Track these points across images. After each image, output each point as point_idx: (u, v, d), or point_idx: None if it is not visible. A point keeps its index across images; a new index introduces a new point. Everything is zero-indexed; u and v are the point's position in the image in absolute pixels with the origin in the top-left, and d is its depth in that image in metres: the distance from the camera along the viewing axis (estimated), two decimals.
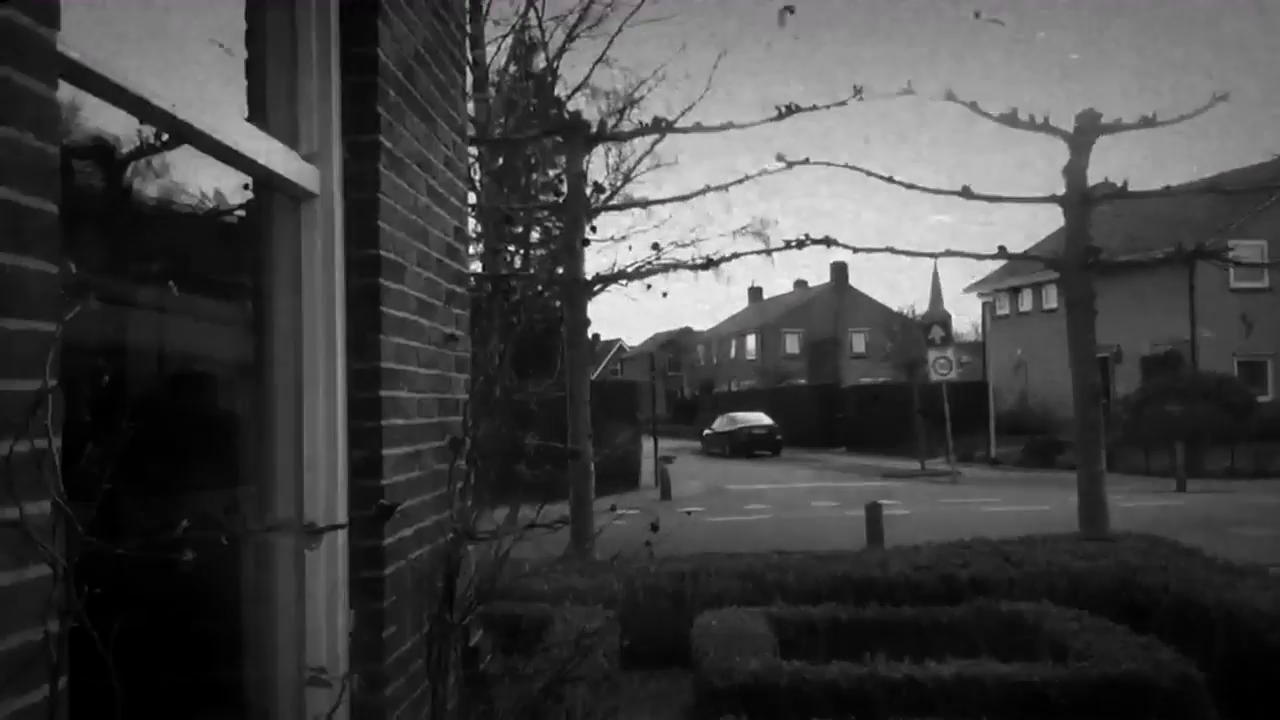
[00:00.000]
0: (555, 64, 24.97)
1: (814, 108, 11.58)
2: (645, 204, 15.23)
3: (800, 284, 75.39)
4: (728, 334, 75.78)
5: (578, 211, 11.30)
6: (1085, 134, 11.34)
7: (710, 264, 12.27)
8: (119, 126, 2.14)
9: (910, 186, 12.12)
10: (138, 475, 1.79)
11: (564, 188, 11.76)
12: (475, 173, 16.81)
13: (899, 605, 7.00)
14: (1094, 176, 11.43)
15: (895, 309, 58.10)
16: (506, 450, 4.05)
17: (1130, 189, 11.70)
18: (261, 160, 2.55)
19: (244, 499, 2.81)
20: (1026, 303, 40.82)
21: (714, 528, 15.64)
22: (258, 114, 2.76)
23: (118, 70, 1.85)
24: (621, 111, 26.19)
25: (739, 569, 8.15)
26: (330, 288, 2.90)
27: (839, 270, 68.16)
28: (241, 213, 2.86)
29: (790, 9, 11.12)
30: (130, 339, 2.40)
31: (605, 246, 36.52)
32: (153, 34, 2.40)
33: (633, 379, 41.40)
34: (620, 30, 27.25)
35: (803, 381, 56.75)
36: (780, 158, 11.72)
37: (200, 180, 2.60)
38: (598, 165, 30.13)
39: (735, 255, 16.61)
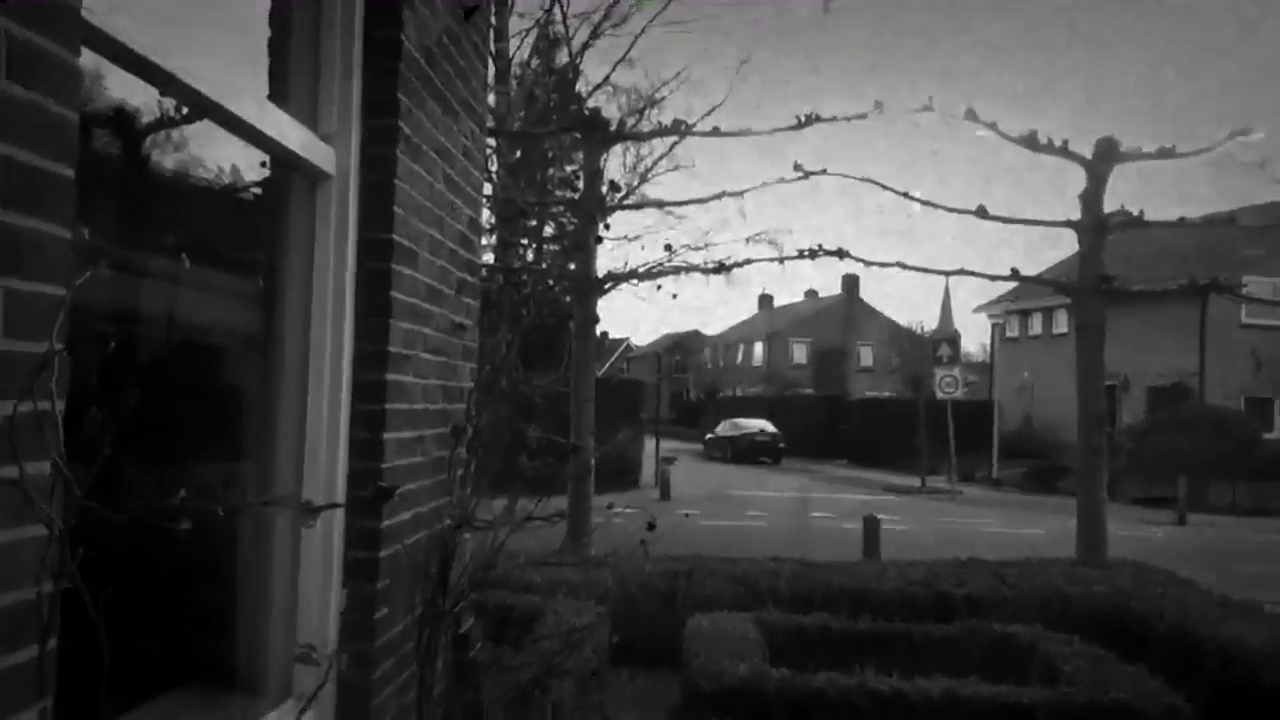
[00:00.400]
0: (578, 60, 25.01)
1: (834, 119, 11.58)
2: (660, 205, 15.27)
3: (811, 294, 75.31)
4: (736, 339, 75.73)
5: (592, 208, 11.32)
6: (1103, 160, 11.33)
7: (722, 268, 12.28)
8: (139, 97, 2.15)
9: (926, 204, 12.12)
10: (140, 443, 1.80)
11: (580, 184, 11.76)
12: (492, 164, 16.83)
13: (892, 619, 7.00)
14: (1110, 205, 11.45)
15: (904, 324, 58.04)
16: (508, 441, 4.05)
17: (1147, 219, 11.69)
18: (280, 139, 2.56)
19: (244, 473, 2.82)
20: (1036, 326, 40.72)
21: (711, 531, 15.64)
22: (278, 92, 2.77)
23: (141, 41, 1.86)
24: (641, 111, 26.22)
25: (733, 573, 8.15)
26: (341, 269, 2.91)
27: (850, 283, 68.10)
28: (257, 190, 2.87)
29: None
30: (140, 309, 2.41)
31: (618, 245, 36.47)
32: (177, 7, 2.41)
33: (638, 378, 41.41)
34: (644, 31, 27.29)
35: (809, 391, 56.68)
36: (798, 167, 11.73)
37: (218, 155, 2.61)
38: (615, 164, 30.12)
39: (748, 261, 16.62)
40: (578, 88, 25.19)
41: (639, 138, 21.30)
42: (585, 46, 25.17)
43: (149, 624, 2.24)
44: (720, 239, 64.62)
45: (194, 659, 2.66)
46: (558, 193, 21.42)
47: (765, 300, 79.28)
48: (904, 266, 12.05)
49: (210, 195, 2.74)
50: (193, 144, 2.48)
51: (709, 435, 43.97)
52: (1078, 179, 11.50)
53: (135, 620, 1.85)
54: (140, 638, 1.99)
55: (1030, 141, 11.45)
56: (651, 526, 4.10)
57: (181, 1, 2.45)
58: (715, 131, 12.04)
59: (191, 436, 2.63)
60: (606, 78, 26.40)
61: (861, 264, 11.94)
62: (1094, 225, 11.32)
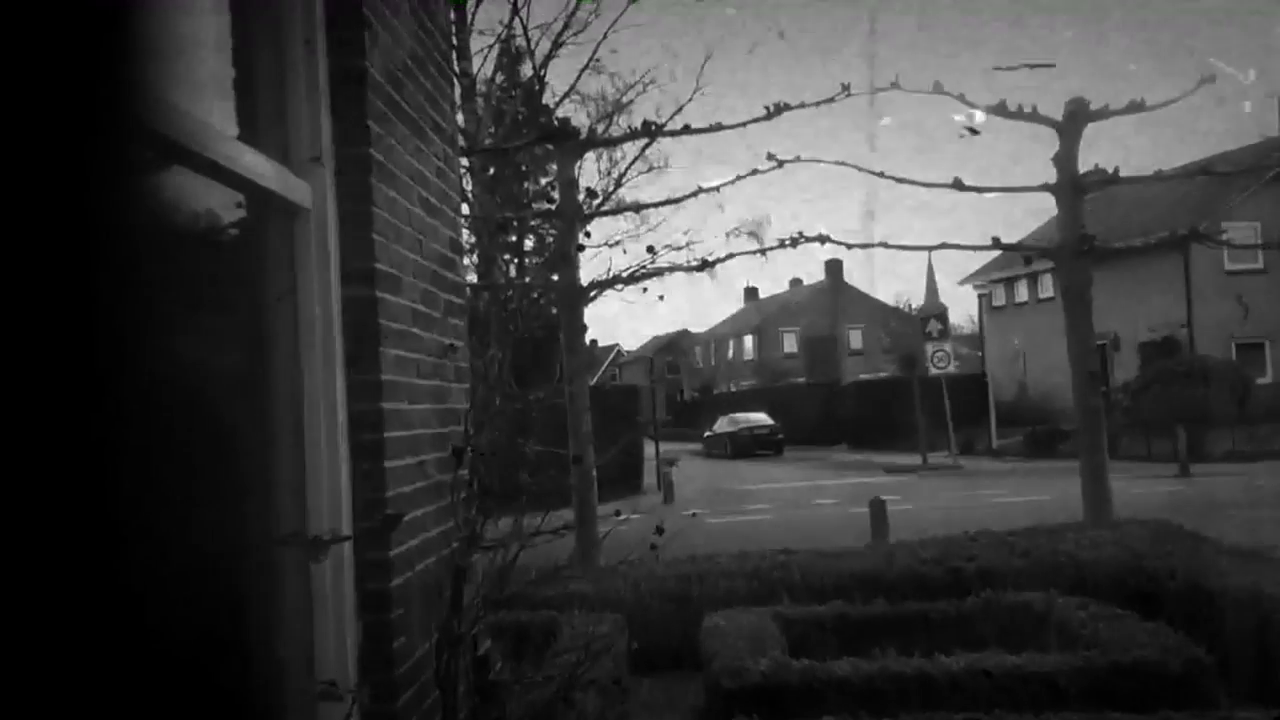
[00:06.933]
0: (542, 72, 25.01)
1: (802, 105, 11.59)
2: (638, 208, 15.33)
3: (795, 282, 75.42)
4: (725, 335, 75.76)
5: (571, 217, 11.31)
6: (1074, 121, 11.36)
7: (705, 265, 12.28)
8: None
9: (902, 181, 12.15)
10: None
11: (556, 194, 11.76)
12: (467, 183, 16.83)
13: (906, 600, 7.00)
14: (1085, 164, 11.48)
15: (891, 304, 58.16)
16: (509, 459, 4.05)
17: (1122, 175, 11.72)
18: (253, 178, 2.55)
19: (248, 515, 2.80)
20: (1022, 293, 40.81)
21: (718, 529, 15.64)
22: (247, 130, 2.76)
23: None
24: (610, 116, 26.23)
25: (745, 569, 8.15)
26: (327, 302, 2.90)
27: (834, 267, 68.21)
28: (235, 230, 2.85)
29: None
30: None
31: (599, 252, 36.52)
32: None
33: (632, 384, 41.39)
34: (606, 36, 27.31)
35: (802, 379, 56.71)
36: (771, 156, 11.72)
37: (194, 195, 2.59)
38: (589, 171, 30.17)
39: (730, 255, 16.78)
40: (544, 99, 25.20)
41: (610, 143, 21.32)
42: (549, 57, 25.17)
43: (166, 675, 2.22)
44: (701, 237, 64.75)
45: (215, 706, 2.64)
46: (535, 206, 21.42)
47: (751, 293, 79.37)
48: (886, 245, 12.09)
49: (189, 236, 2.72)
50: (168, 186, 2.46)
51: (707, 433, 43.94)
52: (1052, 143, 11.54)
53: (151, 672, 1.83)
54: (158, 690, 1.97)
55: (1000, 109, 11.47)
56: (660, 530, 4.10)
57: None
58: (685, 130, 12.03)
59: (191, 481, 2.61)
60: (573, 86, 26.43)
61: (844, 247, 11.97)
62: (1070, 187, 11.35)
